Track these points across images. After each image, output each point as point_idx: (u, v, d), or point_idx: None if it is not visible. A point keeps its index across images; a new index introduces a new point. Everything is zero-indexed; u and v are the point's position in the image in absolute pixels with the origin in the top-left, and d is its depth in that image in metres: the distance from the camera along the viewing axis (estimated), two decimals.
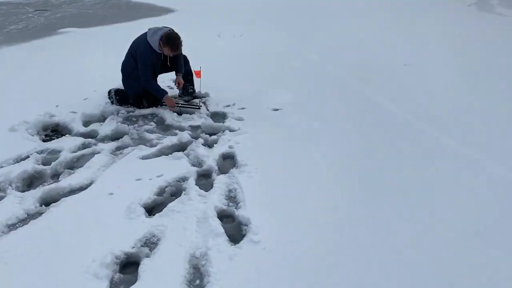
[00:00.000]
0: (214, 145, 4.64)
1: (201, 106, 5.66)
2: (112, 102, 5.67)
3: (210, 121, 5.27)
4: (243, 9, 13.63)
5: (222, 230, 3.16)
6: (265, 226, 3.22)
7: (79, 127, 5.02)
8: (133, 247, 3.03)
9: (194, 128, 5.14)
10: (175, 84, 5.88)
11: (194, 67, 5.82)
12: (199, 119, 5.33)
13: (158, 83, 5.51)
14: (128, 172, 4.02)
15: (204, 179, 4.04)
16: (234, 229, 3.30)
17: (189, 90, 5.96)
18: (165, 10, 14.13)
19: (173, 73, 5.79)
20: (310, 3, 14.48)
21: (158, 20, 12.02)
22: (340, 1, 15.49)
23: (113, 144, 4.63)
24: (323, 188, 3.76)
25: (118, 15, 13.16)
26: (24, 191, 3.78)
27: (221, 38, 9.71)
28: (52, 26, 11.23)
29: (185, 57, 5.87)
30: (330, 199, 3.60)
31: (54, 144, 4.59)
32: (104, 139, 4.80)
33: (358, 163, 4.27)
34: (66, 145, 4.54)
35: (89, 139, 4.72)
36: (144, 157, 4.35)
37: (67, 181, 3.86)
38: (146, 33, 5.34)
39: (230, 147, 4.55)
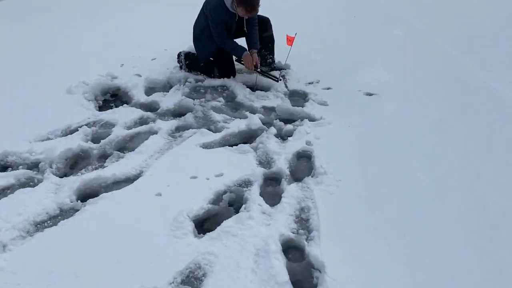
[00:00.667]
0: (289, 138, 3.79)
1: (280, 79, 4.78)
2: (180, 67, 4.96)
3: (287, 103, 4.39)
4: None
5: (287, 278, 2.38)
6: (343, 276, 2.40)
7: (140, 96, 4.38)
8: (171, 283, 2.35)
9: (267, 110, 4.31)
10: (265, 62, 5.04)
11: (279, 26, 4.91)
12: (275, 98, 4.48)
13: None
14: (184, 165, 3.34)
15: (272, 186, 3.26)
16: (302, 273, 2.52)
17: (268, 60, 5.08)
18: None
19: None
20: None
21: None
22: None
23: (173, 123, 3.94)
24: (426, 231, 2.80)
25: None
26: (64, 175, 3.25)
27: None
28: None
29: (267, 21, 4.95)
30: (437, 251, 2.65)
31: (109, 115, 3.99)
32: (165, 114, 4.14)
33: (484, 194, 3.14)
34: (122, 118, 3.93)
35: (148, 113, 4.07)
36: (206, 146, 3.63)
37: (113, 168, 3.26)
38: None
39: (308, 143, 3.69)
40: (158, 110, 4.16)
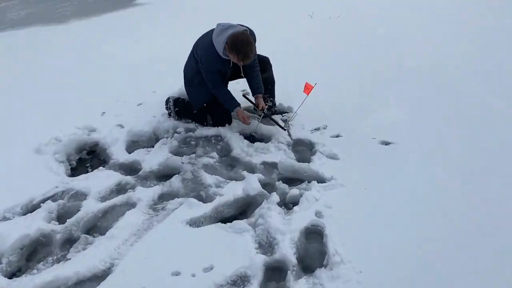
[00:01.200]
0: (294, 208, 3.11)
1: (284, 129, 4.12)
2: (169, 114, 4.32)
3: (291, 158, 3.72)
4: None
5: None
6: None
7: (120, 154, 3.73)
8: None
9: (268, 167, 3.64)
10: (253, 108, 4.36)
11: (280, 64, 4.28)
12: (277, 151, 3.81)
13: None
14: (165, 254, 2.67)
15: (275, 282, 2.57)
16: None
17: (268, 103, 4.42)
18: None
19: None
20: None
21: None
22: None
23: (156, 190, 3.27)
24: None
25: None
26: (17, 271, 2.59)
27: (314, 20, 7.96)
28: None
29: (266, 60, 4.32)
30: None
31: (81, 182, 3.34)
32: (147, 178, 3.47)
33: None
34: (96, 185, 3.27)
35: (128, 178, 3.41)
36: (193, 222, 2.96)
37: (77, 263, 2.58)
38: (212, 30, 3.83)
39: (318, 214, 3.02)
40: (140, 172, 3.50)
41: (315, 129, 4.24)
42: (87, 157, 3.82)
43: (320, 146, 3.89)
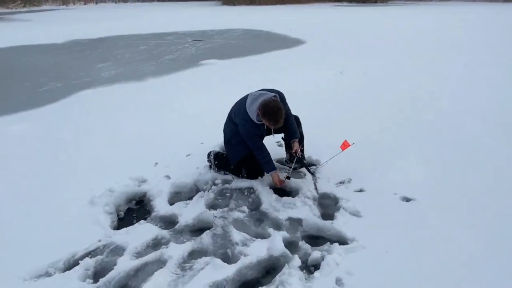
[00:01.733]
0: (315, 273, 2.46)
1: (314, 179, 3.51)
2: (210, 167, 3.83)
3: (315, 215, 3.08)
4: (375, 40, 10.75)
5: None
6: None
7: (162, 205, 3.26)
8: None
9: (293, 223, 3.03)
10: (291, 151, 3.77)
11: (309, 117, 3.70)
12: (303, 207, 3.19)
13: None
14: None
15: None
16: None
17: (298, 156, 3.82)
18: (296, 42, 12.02)
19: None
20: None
21: (287, 52, 10.02)
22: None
23: (187, 247, 2.75)
24: None
25: (255, 46, 11.44)
26: None
27: (343, 76, 7.30)
28: (198, 57, 9.92)
29: (297, 119, 3.76)
30: None
31: (122, 236, 2.88)
32: (182, 232, 2.97)
33: None
34: (134, 240, 2.80)
35: (164, 232, 2.92)
36: (216, 286, 2.37)
37: None
38: (246, 98, 3.36)
39: (339, 282, 2.35)
40: (176, 226, 3.00)
41: (340, 183, 3.58)
42: (135, 207, 3.37)
43: (344, 202, 3.22)
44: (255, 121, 3.27)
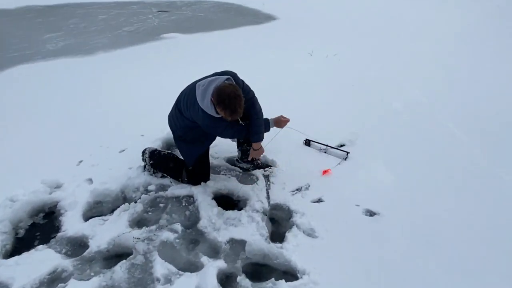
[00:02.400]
0: None
1: (267, 190, 2.87)
2: (145, 167, 3.08)
3: (263, 236, 2.44)
4: (349, 21, 9.93)
5: None
6: None
7: (73, 221, 2.53)
8: None
9: (235, 247, 2.38)
10: (247, 159, 3.09)
11: (275, 96, 2.98)
12: (249, 224, 2.54)
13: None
14: None
15: None
16: None
17: (255, 163, 3.15)
18: (268, 18, 11.01)
19: None
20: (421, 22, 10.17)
21: (257, 29, 9.10)
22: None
23: (91, 285, 2.03)
24: None
25: (224, 21, 10.41)
26: None
27: (312, 58, 6.55)
28: (160, 30, 8.83)
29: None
30: None
31: (9, 269, 2.14)
32: (92, 260, 2.26)
33: None
34: (24, 274, 2.08)
35: (66, 263, 2.19)
36: None
37: None
38: (195, 89, 2.56)
39: None
40: (85, 253, 2.28)
41: (297, 190, 2.94)
42: (42, 222, 2.61)
43: (299, 217, 2.60)
44: (215, 115, 2.49)
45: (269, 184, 2.97)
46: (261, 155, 2.97)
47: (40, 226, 2.57)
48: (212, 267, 2.15)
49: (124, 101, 4.42)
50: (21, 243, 2.41)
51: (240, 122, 2.76)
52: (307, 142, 3.57)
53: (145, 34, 8.41)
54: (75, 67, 5.74)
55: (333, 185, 2.98)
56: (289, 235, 2.43)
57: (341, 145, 3.61)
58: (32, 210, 2.60)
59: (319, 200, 2.82)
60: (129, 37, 8.02)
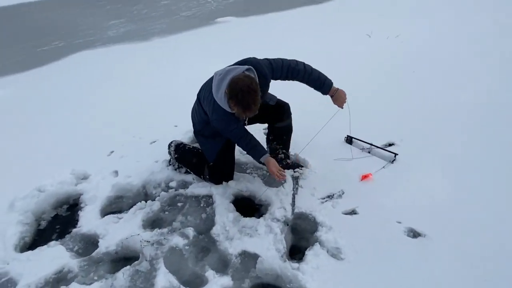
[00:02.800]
0: None
1: (294, 195, 2.51)
2: (170, 161, 2.90)
3: (279, 252, 2.10)
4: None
5: None
6: None
7: (90, 217, 2.44)
8: None
9: (246, 261, 2.09)
10: (276, 158, 2.77)
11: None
12: (266, 235, 2.22)
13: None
14: None
15: None
16: None
17: (279, 155, 2.79)
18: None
19: None
20: None
21: (314, 9, 8.42)
22: None
23: None
24: None
25: (281, 1, 9.83)
26: None
27: (371, 39, 5.81)
28: (216, 14, 8.63)
29: (285, 108, 2.67)
30: None
31: (20, 264, 2.10)
32: (99, 262, 2.14)
33: None
34: (31, 273, 2.05)
35: (73, 263, 2.10)
36: None
37: None
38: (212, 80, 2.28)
39: None
40: (93, 253, 2.16)
41: (328, 197, 2.52)
42: (65, 214, 2.58)
43: (324, 232, 2.20)
44: (229, 110, 2.20)
45: (297, 188, 2.59)
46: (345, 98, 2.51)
47: (62, 219, 2.54)
48: (216, 285, 1.89)
49: (168, 88, 4.30)
50: (40, 236, 2.39)
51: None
52: (349, 139, 3.09)
53: (201, 18, 8.27)
54: (128, 54, 5.80)
55: (372, 193, 2.51)
56: (309, 254, 2.07)
57: (389, 144, 3.06)
58: (56, 201, 2.58)
59: (352, 212, 2.39)
60: (185, 22, 7.95)
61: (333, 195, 2.54)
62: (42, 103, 4.12)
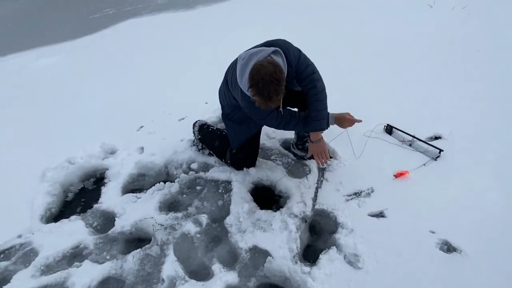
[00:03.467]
0: None
1: (317, 188, 2.31)
2: (193, 141, 2.81)
3: (292, 252, 1.95)
4: None
5: None
6: None
7: (111, 194, 2.46)
8: None
9: (255, 257, 1.98)
10: (303, 146, 2.60)
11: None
12: (281, 231, 2.07)
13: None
14: None
15: None
16: None
17: (307, 143, 2.56)
18: None
19: None
20: None
21: None
22: None
23: (100, 272, 1.94)
24: None
25: None
26: None
27: (433, 10, 5.10)
28: None
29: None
30: None
31: (42, 236, 2.19)
32: (114, 241, 2.15)
33: None
34: (51, 245, 2.13)
35: (89, 239, 2.14)
36: None
37: None
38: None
39: None
40: (109, 231, 2.17)
41: (355, 194, 2.28)
42: (91, 188, 2.63)
43: (344, 235, 2.00)
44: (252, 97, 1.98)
45: (321, 181, 2.38)
46: (323, 151, 2.23)
47: (88, 192, 2.59)
48: (221, 280, 1.81)
49: (201, 60, 4.16)
50: (66, 207, 2.46)
51: (293, 110, 2.17)
52: (388, 129, 2.75)
53: None
54: (172, 22, 5.69)
55: (406, 195, 2.22)
56: (323, 258, 1.89)
57: (436, 138, 2.68)
58: (84, 174, 2.63)
59: (380, 215, 2.14)
60: None
61: (361, 192, 2.29)
62: (83, 73, 4.20)
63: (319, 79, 2.13)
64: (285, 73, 1.89)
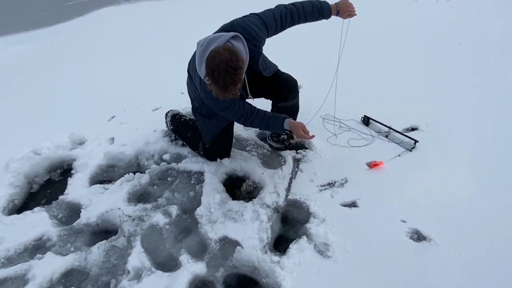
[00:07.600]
0: None
1: (291, 178, 2.34)
2: (166, 132, 2.81)
3: (262, 241, 1.98)
4: None
5: None
6: None
7: (78, 185, 2.44)
8: None
9: (224, 248, 2.00)
10: (278, 138, 2.63)
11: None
12: (252, 221, 2.09)
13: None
14: None
15: None
16: None
17: (282, 135, 2.60)
18: None
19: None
20: None
21: None
22: None
23: (63, 264, 1.93)
24: None
25: None
26: None
27: (417, 3, 5.20)
28: None
29: (292, 85, 2.39)
30: None
31: (3, 228, 2.15)
32: (79, 233, 2.14)
33: None
34: (12, 237, 2.09)
35: (54, 231, 2.11)
36: None
37: None
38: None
39: None
40: (74, 223, 2.16)
41: (329, 184, 2.32)
42: (58, 179, 2.60)
43: (315, 224, 2.05)
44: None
45: (296, 172, 2.41)
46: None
47: (54, 183, 2.56)
48: (188, 271, 1.82)
49: (178, 50, 4.13)
50: (31, 199, 2.43)
51: (259, 109, 2.19)
52: (366, 120, 2.81)
53: None
54: (149, 11, 5.64)
55: (379, 185, 2.28)
56: (293, 248, 1.92)
57: (412, 129, 2.75)
58: (50, 165, 2.60)
59: (352, 205, 2.18)
60: None
61: (335, 183, 2.34)
62: (53, 62, 4.14)
63: (288, 4, 2.14)
64: (244, 59, 1.89)
